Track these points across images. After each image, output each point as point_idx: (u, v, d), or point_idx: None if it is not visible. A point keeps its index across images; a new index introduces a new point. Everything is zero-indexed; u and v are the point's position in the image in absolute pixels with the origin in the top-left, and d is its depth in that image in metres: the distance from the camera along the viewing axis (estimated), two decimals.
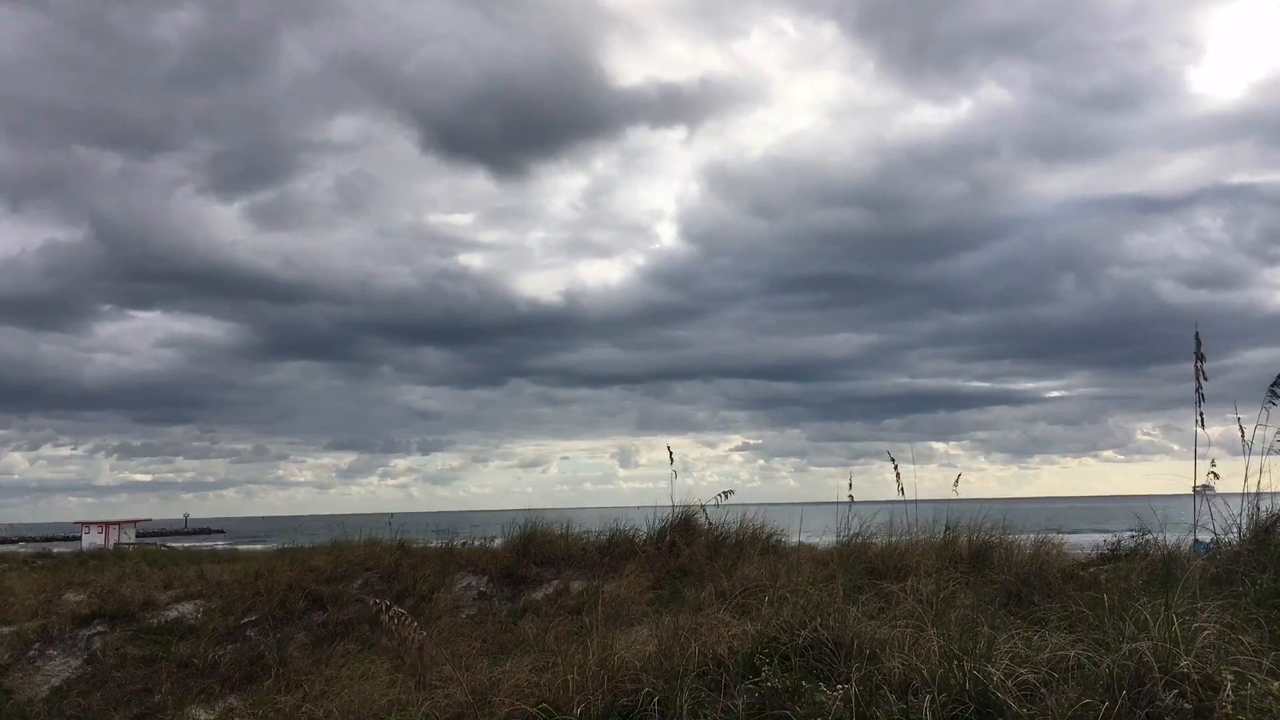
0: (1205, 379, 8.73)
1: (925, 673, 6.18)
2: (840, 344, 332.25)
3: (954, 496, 11.62)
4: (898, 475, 10.47)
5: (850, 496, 11.33)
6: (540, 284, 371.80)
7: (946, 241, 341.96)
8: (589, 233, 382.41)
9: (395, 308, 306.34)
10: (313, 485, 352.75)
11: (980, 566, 10.23)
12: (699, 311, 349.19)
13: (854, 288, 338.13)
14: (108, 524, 69.75)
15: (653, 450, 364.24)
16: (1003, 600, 8.67)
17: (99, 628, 14.43)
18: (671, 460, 14.02)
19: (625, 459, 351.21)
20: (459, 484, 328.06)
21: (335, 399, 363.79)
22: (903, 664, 6.39)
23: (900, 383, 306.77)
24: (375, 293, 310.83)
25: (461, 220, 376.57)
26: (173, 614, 14.85)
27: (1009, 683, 5.87)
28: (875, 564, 10.52)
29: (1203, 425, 8.72)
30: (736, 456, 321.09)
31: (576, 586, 14.09)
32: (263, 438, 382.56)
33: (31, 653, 13.80)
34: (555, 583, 14.54)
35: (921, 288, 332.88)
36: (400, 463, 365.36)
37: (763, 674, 6.67)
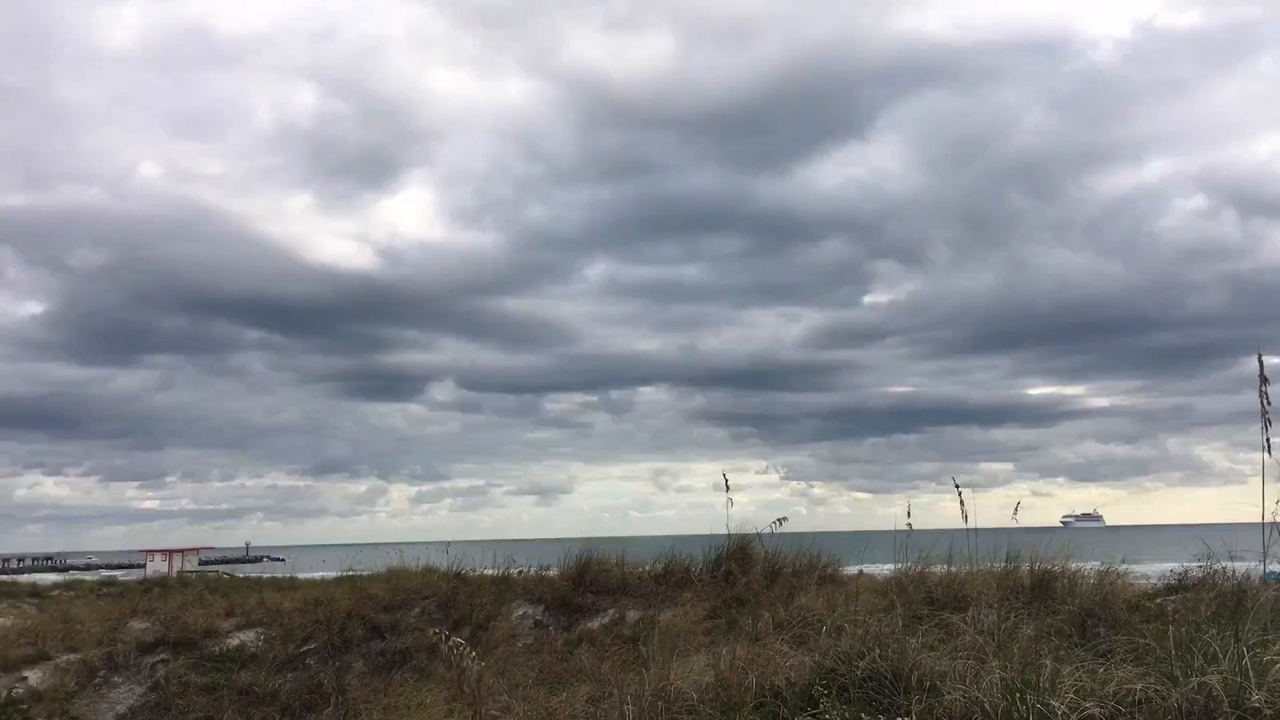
0: (1269, 403, 8.51)
1: (987, 706, 6.09)
2: (780, 332, 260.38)
3: (1013, 524, 11.45)
4: (961, 503, 10.33)
5: (909, 525, 11.21)
6: (325, 236, 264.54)
7: (822, 115, 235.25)
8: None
9: (168, 272, 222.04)
10: (334, 514, 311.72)
11: (1042, 596, 10.05)
12: (549, 272, 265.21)
13: (733, 225, 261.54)
14: (171, 551, 71.06)
15: (685, 476, 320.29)
16: (1066, 632, 8.51)
17: (163, 655, 14.65)
18: (728, 487, 13.97)
19: (656, 484, 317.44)
20: (488, 511, 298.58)
21: (268, 415, 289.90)
22: (963, 696, 6.30)
23: (902, 391, 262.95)
24: (126, 248, 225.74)
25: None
26: (234, 642, 15.04)
27: (1073, 716, 5.76)
28: (934, 594, 10.39)
29: (1269, 452, 8.49)
30: (765, 479, 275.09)
31: (632, 615, 14.05)
32: (236, 462, 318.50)
33: (97, 680, 14.05)
34: (611, 612, 14.51)
35: (830, 222, 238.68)
36: (411, 489, 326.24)
37: (821, 706, 6.62)
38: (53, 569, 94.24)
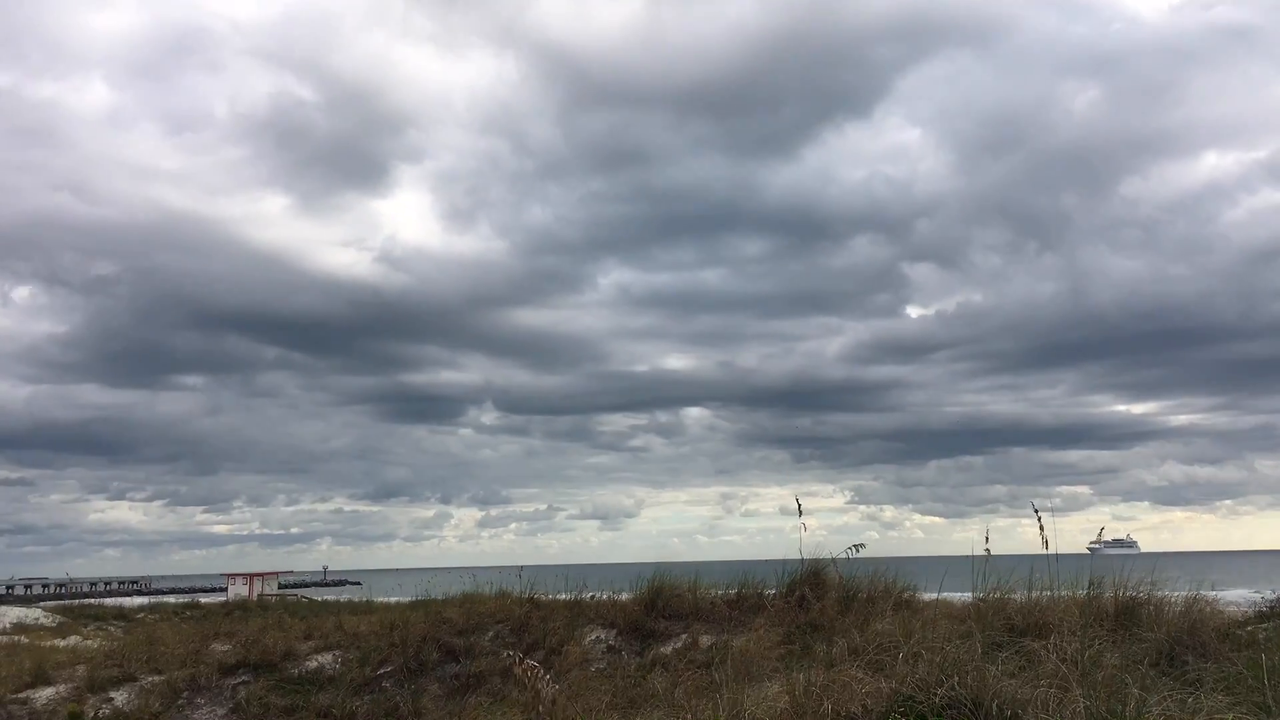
0: None
1: None
2: (821, 345, 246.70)
3: (1096, 549, 11.15)
4: (1041, 528, 10.10)
5: (987, 550, 10.99)
6: (316, 245, 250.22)
7: (824, 84, 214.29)
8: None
9: (166, 286, 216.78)
10: (402, 538, 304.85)
11: (1127, 624, 9.79)
12: (557, 279, 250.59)
13: (748, 222, 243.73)
14: (252, 575, 72.49)
15: (753, 500, 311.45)
16: (1153, 660, 8.27)
17: (244, 677, 14.93)
18: (800, 512, 13.81)
19: (724, 508, 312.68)
20: (554, 535, 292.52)
21: (320, 440, 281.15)
22: None
23: (961, 411, 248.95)
24: (115, 259, 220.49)
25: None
26: (313, 664, 15.28)
27: None
28: (1014, 620, 10.17)
29: None
30: (831, 503, 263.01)
31: (705, 640, 13.97)
32: (298, 487, 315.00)
33: (180, 701, 14.36)
34: (684, 636, 14.45)
35: (854, 218, 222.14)
36: (477, 513, 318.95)
37: None
38: (138, 592, 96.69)
